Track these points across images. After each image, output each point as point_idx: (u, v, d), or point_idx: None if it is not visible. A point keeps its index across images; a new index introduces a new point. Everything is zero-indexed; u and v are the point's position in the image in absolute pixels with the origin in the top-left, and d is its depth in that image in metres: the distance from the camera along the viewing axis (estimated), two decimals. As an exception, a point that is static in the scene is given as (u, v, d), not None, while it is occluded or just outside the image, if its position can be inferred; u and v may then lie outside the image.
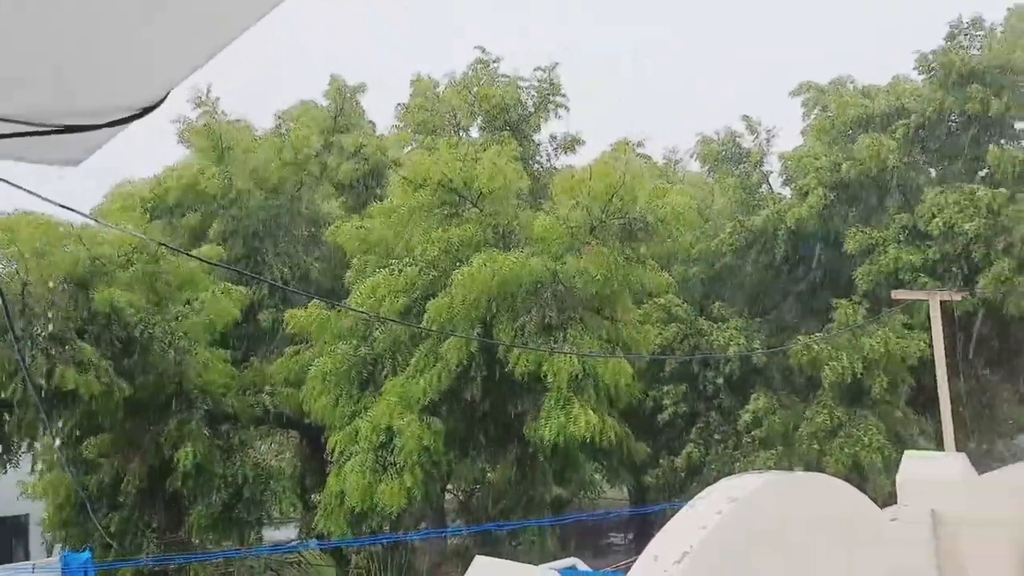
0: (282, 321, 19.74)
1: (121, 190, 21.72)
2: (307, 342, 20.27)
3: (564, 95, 22.86)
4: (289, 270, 22.00)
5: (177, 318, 18.46)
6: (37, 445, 19.43)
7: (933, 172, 21.81)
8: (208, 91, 21.83)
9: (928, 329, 18.05)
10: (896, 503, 6.12)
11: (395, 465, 17.44)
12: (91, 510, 17.90)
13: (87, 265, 17.61)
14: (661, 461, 21.29)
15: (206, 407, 18.93)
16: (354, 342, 19.27)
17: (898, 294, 18.08)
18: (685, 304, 22.56)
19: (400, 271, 18.65)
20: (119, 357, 17.57)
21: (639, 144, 23.37)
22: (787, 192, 22.60)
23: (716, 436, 21.10)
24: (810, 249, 21.82)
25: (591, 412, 17.05)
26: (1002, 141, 20.85)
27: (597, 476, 26.22)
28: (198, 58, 1.52)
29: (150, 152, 22.75)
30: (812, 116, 22.97)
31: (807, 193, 20.79)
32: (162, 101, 1.63)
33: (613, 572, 11.05)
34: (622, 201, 18.20)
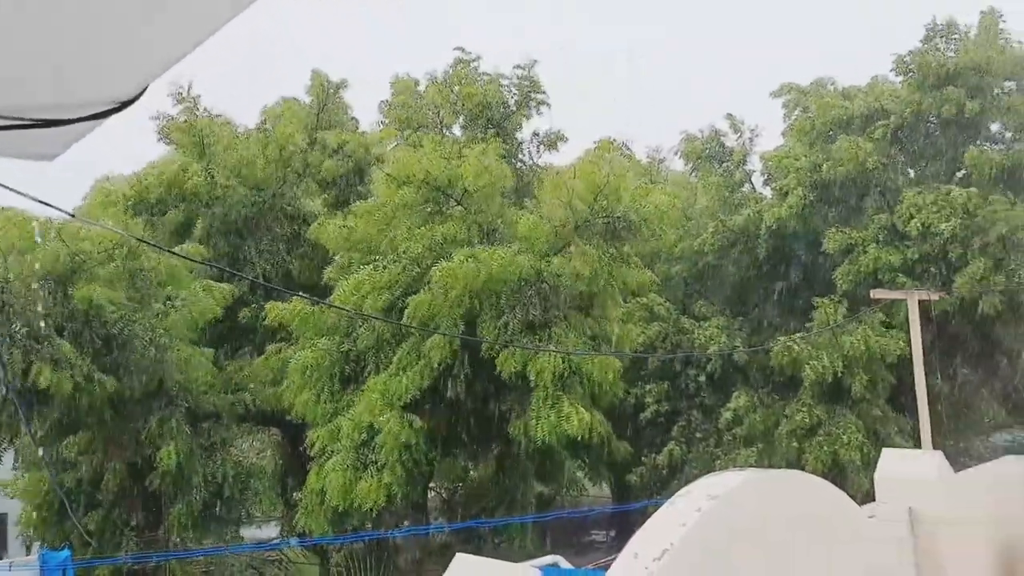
0: (264, 319, 19.63)
1: (102, 186, 21.54)
2: (289, 340, 20.19)
3: (545, 92, 22.91)
4: (272, 267, 21.89)
5: (158, 315, 18.33)
6: (17, 444, 19.24)
7: (912, 172, 22.00)
8: (189, 88, 21.69)
9: (906, 328, 18.24)
10: (874, 500, 6.18)
11: (376, 463, 17.41)
12: (69, 508, 17.75)
13: (67, 262, 17.45)
14: (643, 459, 21.38)
15: (187, 405, 18.81)
16: (337, 338, 19.21)
17: (877, 293, 18.24)
18: (667, 303, 22.67)
19: (384, 268, 18.61)
20: (99, 354, 17.42)
21: (624, 145, 23.43)
22: (768, 192, 22.73)
23: (698, 434, 21.23)
24: (791, 249, 21.96)
25: (583, 410, 17.12)
26: (979, 142, 21.09)
27: (579, 474, 26.34)
28: (176, 53, 1.51)
29: (130, 149, 22.60)
30: (793, 117, 23.12)
31: (787, 193, 20.94)
32: (140, 95, 1.62)
33: (595, 570, 11.08)
34: (606, 200, 18.26)
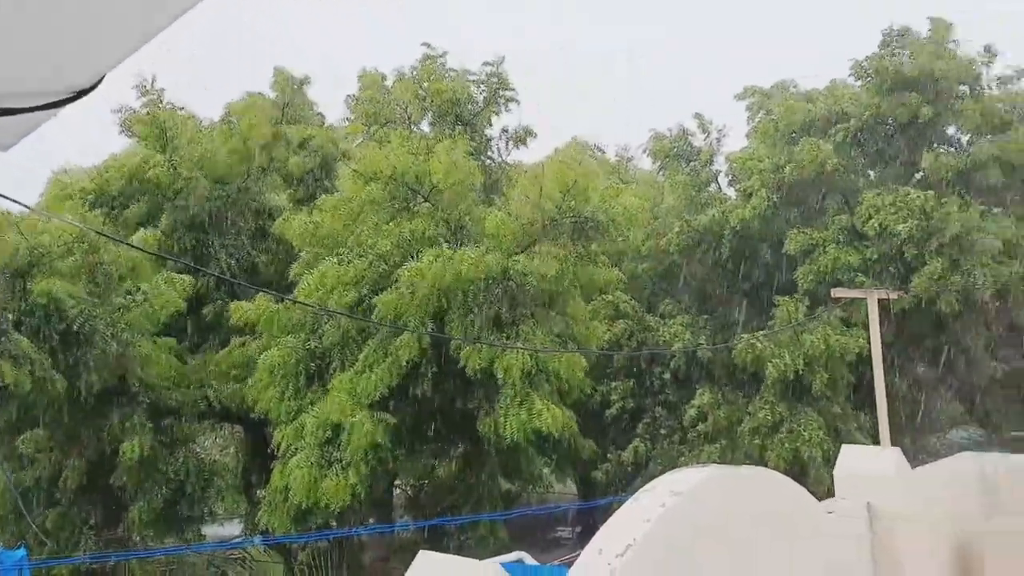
0: (227, 314, 19.39)
1: (59, 179, 21.10)
2: (253, 334, 19.97)
3: (514, 89, 22.90)
4: (236, 262, 21.62)
5: (119, 309, 18.01)
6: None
7: (871, 174, 22.39)
8: (153, 81, 21.35)
9: (866, 327, 18.56)
10: (834, 497, 6.27)
11: (340, 461, 17.28)
12: (23, 507, 17.37)
13: (26, 255, 17.09)
14: (608, 455, 21.52)
15: (149, 400, 18.53)
16: (302, 335, 19.04)
17: (837, 292, 18.53)
18: (633, 301, 22.83)
19: (350, 264, 18.48)
20: (58, 350, 17.08)
21: (596, 146, 23.58)
22: (733, 193, 22.98)
23: (662, 431, 21.41)
24: (754, 249, 22.24)
25: (554, 407, 17.17)
26: (935, 145, 21.53)
27: (546, 471, 26.41)
28: (134, 41, 1.48)
29: (91, 142, 22.19)
30: (757, 119, 23.40)
31: (751, 195, 21.22)
32: (97, 84, 1.58)
33: (560, 566, 11.13)
34: (575, 200, 18.32)
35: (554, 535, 26.42)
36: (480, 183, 20.20)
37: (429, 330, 17.91)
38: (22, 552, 13.37)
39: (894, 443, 16.42)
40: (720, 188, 23.75)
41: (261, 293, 19.10)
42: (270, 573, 22.35)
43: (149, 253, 18.22)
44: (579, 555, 3.81)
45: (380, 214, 19.07)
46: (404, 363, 17.57)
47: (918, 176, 21.29)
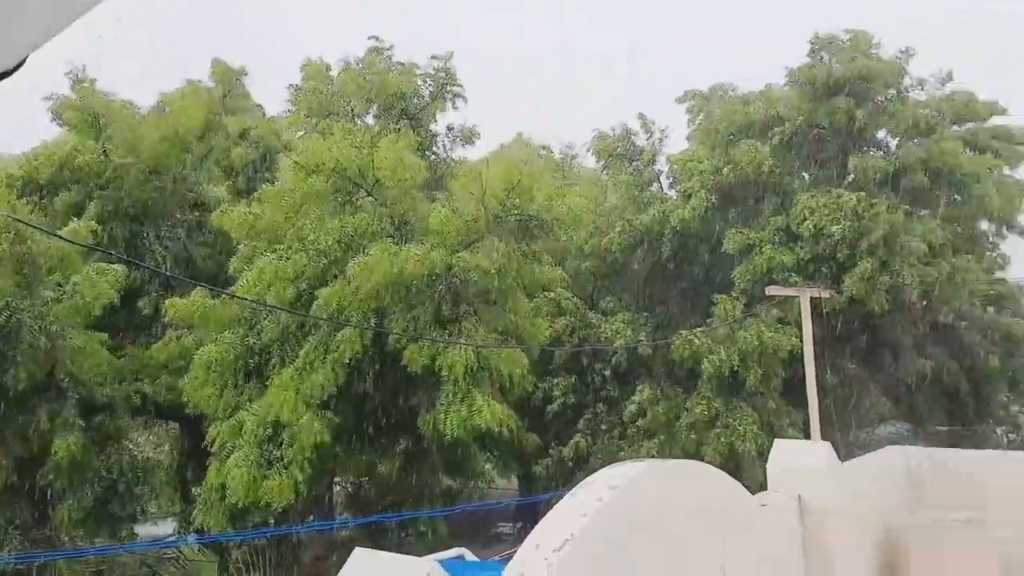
0: (163, 308, 18.89)
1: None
2: (189, 328, 19.51)
3: (461, 85, 22.81)
4: (172, 255, 21.08)
5: (48, 302, 17.39)
6: None
7: (806, 176, 22.96)
8: (84, 69, 20.71)
9: (799, 325, 19.04)
10: (767, 491, 6.41)
11: (282, 460, 17.02)
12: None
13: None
14: (550, 451, 21.67)
15: (79, 396, 17.94)
16: (240, 331, 18.67)
17: (771, 290, 18.96)
18: (575, 298, 23.01)
19: (290, 258, 18.18)
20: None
21: (546, 147, 23.63)
22: (674, 193, 23.34)
23: (603, 426, 21.65)
24: (694, 248, 22.63)
25: (494, 403, 17.16)
26: (866, 148, 22.19)
27: (488, 467, 26.45)
28: (59, 22, 1.43)
29: (22, 132, 21.43)
30: (697, 122, 23.80)
31: (691, 196, 21.60)
32: (18, 67, 1.52)
33: (499, 561, 11.15)
34: (519, 198, 18.35)
35: (496, 531, 26.48)
36: (425, 179, 20.08)
37: (372, 326, 17.74)
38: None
39: (825, 437, 16.89)
40: (662, 188, 24.09)
41: (198, 287, 18.66)
42: (203, 572, 21.90)
43: (80, 244, 17.64)
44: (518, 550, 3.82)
45: (322, 207, 18.81)
46: (348, 360, 17.38)
47: (850, 179, 21.92)
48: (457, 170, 21.67)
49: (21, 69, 1.50)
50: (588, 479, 4.03)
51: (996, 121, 22.79)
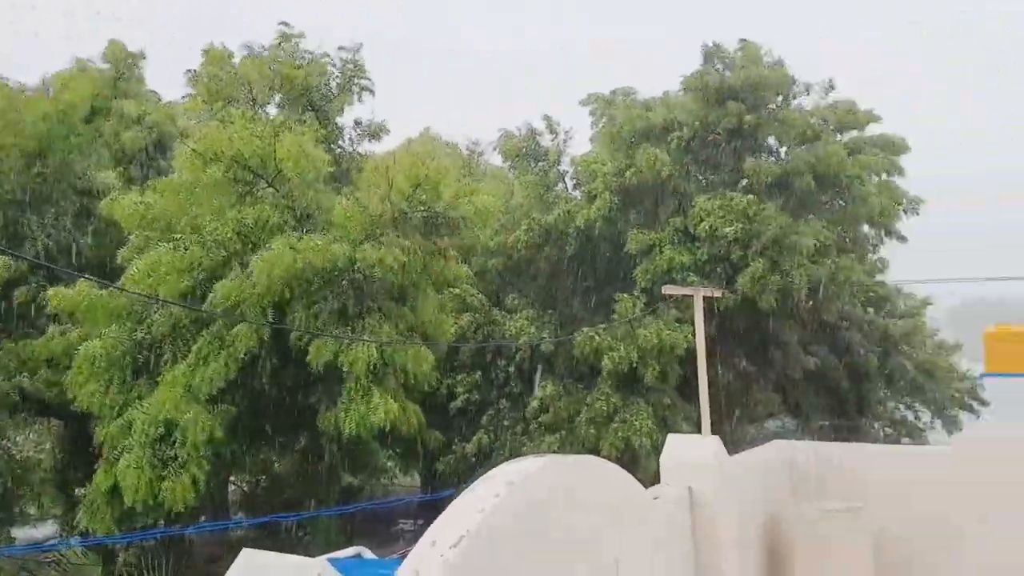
0: (44, 299, 17.90)
1: None
2: (74, 322, 18.57)
3: (369, 79, 22.50)
4: (55, 244, 20.02)
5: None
6: None
7: (703, 180, 23.73)
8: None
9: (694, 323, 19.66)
10: (660, 484, 6.63)
11: (177, 460, 16.41)
12: None
13: None
14: (454, 448, 21.68)
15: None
16: (129, 325, 17.88)
17: (667, 289, 19.50)
18: (481, 295, 23.10)
19: (185, 249, 17.54)
20: None
21: (451, 144, 23.53)
22: (578, 194, 23.74)
23: (506, 422, 21.82)
24: (597, 247, 23.07)
25: (391, 401, 17.01)
26: (758, 153, 23.14)
27: (391, 464, 26.26)
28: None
29: None
30: (600, 125, 24.27)
31: (595, 196, 22.04)
32: None
33: (398, 558, 11.09)
34: (425, 194, 18.24)
35: (397, 528, 26.32)
36: (330, 172, 19.73)
37: (270, 320, 17.32)
38: None
39: (716, 432, 17.49)
40: (567, 188, 24.44)
41: (82, 278, 17.77)
42: (87, 576, 20.91)
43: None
44: (416, 547, 3.83)
45: (220, 198, 18.22)
46: (243, 355, 16.91)
47: (743, 182, 22.78)
48: (363, 164, 21.36)
49: None
50: (487, 474, 4.07)
51: (873, 129, 24.10)
